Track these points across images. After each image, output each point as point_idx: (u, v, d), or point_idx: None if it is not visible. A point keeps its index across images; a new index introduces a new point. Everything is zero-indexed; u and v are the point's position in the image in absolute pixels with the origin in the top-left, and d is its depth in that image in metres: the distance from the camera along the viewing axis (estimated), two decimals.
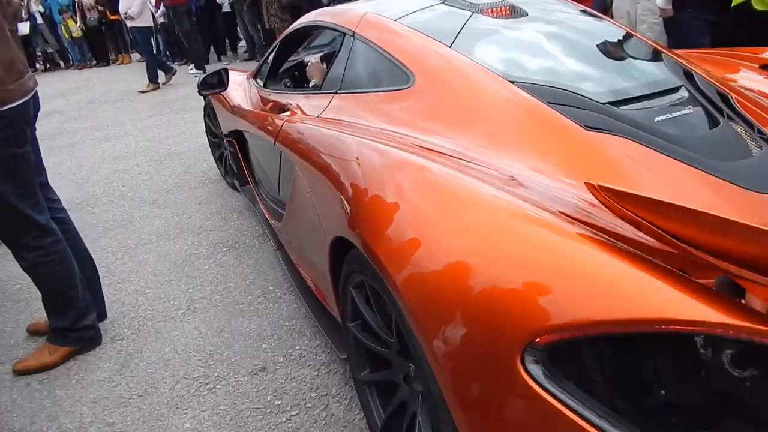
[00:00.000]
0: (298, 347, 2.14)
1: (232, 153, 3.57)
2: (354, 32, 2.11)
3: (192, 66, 9.79)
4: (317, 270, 1.92)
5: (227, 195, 3.82)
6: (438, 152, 1.45)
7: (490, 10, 1.99)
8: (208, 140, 4.15)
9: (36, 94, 2.11)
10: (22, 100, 1.96)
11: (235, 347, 2.18)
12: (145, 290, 2.71)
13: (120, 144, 5.60)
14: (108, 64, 12.68)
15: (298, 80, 3.11)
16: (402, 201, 1.29)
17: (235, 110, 3.11)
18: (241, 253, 2.96)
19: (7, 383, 2.14)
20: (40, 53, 13.57)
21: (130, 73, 11.14)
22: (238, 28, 10.65)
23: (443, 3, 2.12)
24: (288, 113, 2.33)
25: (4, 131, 1.91)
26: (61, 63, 13.53)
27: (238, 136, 3.28)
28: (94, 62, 12.80)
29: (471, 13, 1.96)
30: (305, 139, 1.94)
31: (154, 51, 9.83)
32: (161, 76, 8.66)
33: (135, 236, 3.34)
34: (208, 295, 2.58)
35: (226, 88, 3.15)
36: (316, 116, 2.11)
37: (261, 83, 3.03)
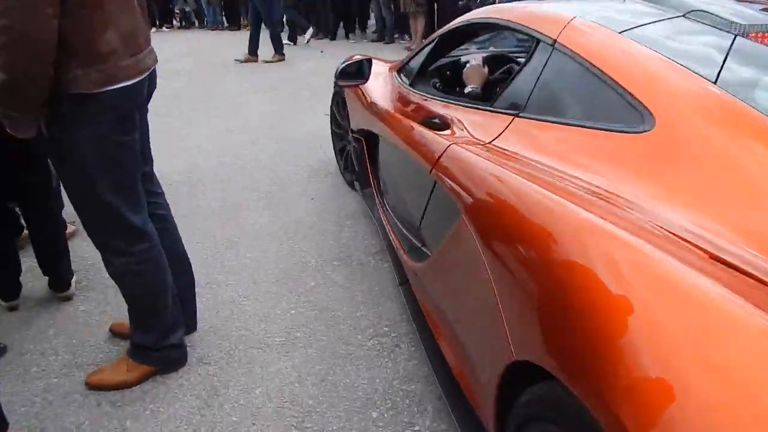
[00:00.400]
0: (417, 427, 1.69)
1: (356, 151, 3.17)
2: (554, 41, 1.60)
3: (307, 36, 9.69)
4: (467, 360, 1.45)
5: (343, 193, 3.44)
6: (693, 245, 0.93)
7: (762, 34, 1.41)
8: (331, 130, 3.78)
9: (154, 72, 1.76)
10: (136, 80, 1.62)
11: (339, 408, 1.76)
12: (241, 301, 2.37)
13: (237, 118, 5.39)
14: (239, 29, 12.82)
15: (450, 82, 2.64)
16: (649, 327, 0.80)
17: (373, 107, 2.69)
18: (353, 272, 2.55)
19: (78, 397, 1.85)
20: (178, 11, 14.01)
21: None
22: (371, 7, 10.33)
23: (685, 17, 1.56)
24: (448, 131, 1.86)
25: (107, 114, 1.57)
26: (196, 22, 13.90)
27: (368, 134, 2.87)
28: (226, 25, 13.01)
29: (733, 35, 1.39)
30: (483, 183, 1.43)
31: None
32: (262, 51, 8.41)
33: (238, 230, 3.03)
34: (311, 323, 2.19)
35: (366, 80, 2.73)
36: (489, 143, 1.63)
37: (407, 81, 2.58)
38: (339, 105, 3.54)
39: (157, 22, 13.21)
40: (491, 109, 1.79)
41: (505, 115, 1.68)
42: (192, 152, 4.34)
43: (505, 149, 1.57)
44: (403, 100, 2.53)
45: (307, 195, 3.45)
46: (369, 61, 2.71)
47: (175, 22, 13.93)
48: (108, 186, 1.66)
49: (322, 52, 9.02)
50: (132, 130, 1.68)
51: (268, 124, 5.02)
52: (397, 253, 2.31)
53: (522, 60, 2.67)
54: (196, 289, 2.17)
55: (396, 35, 9.88)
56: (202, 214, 3.22)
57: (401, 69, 2.77)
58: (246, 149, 4.36)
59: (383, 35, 9.84)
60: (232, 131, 4.85)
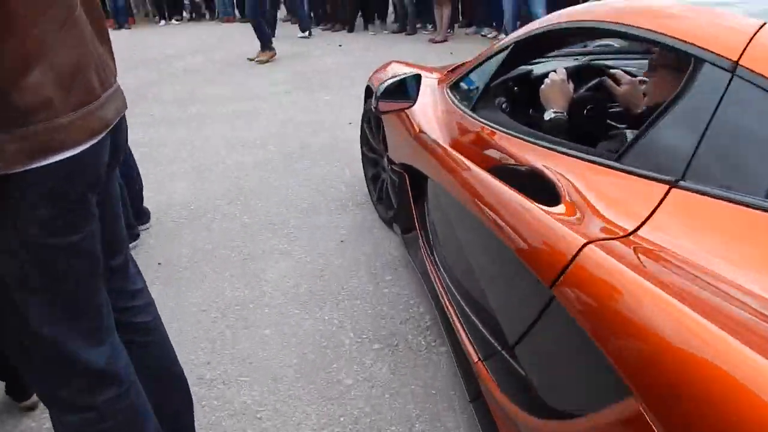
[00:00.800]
0: None
1: (396, 185, 2.53)
2: (735, 63, 0.95)
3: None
4: None
5: (378, 233, 2.81)
6: None
7: None
8: (362, 152, 3.14)
9: (121, 123, 1.14)
10: (89, 144, 1.00)
11: None
12: (257, 411, 1.75)
13: (251, 123, 4.76)
14: (265, 10, 12.14)
15: (519, 101, 1.99)
16: None
17: (421, 138, 2.03)
18: (399, 363, 1.92)
19: None
20: (187, 2, 13.33)
21: (276, 32, 10.47)
22: None
23: None
24: (560, 208, 1.19)
25: (41, 204, 0.96)
26: (207, 14, 13.22)
27: (414, 170, 2.22)
28: (239, 17, 12.32)
29: None
30: (642, 322, 0.81)
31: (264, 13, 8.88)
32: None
33: (251, 286, 2.41)
34: None
35: (414, 103, 2.06)
36: (631, 233, 0.99)
37: (466, 104, 1.91)
38: (371, 124, 2.89)
39: (166, 15, 12.57)
40: (623, 167, 1.13)
41: (651, 182, 1.04)
42: (198, 172, 3.72)
43: (662, 248, 0.94)
44: (463, 131, 1.88)
45: (334, 234, 2.81)
46: (417, 78, 2.04)
47: (185, 14, 13.26)
48: (46, 311, 1.04)
49: (340, 45, 8.33)
50: (83, 223, 1.05)
51: (285, 136, 4.38)
52: (461, 343, 1.67)
53: (621, 67, 2.02)
54: (198, 389, 1.57)
55: (418, 25, 9.16)
56: (206, 264, 2.61)
57: (456, 85, 2.11)
58: (261, 169, 3.73)
59: (404, 25, 9.12)
60: (245, 144, 4.22)
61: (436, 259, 2.07)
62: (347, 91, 5.65)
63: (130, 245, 2.74)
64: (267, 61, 7.31)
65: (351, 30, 9.70)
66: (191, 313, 2.25)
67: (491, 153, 1.64)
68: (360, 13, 9.80)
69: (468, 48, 7.60)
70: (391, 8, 9.93)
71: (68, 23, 0.95)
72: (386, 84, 2.00)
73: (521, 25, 5.75)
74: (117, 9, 11.73)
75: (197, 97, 5.82)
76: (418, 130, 2.06)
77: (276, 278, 2.47)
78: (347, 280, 2.42)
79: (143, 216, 3.00)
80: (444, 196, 1.87)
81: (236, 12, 12.14)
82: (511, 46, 1.79)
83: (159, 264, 2.66)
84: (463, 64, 2.58)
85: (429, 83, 2.26)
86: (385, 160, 2.78)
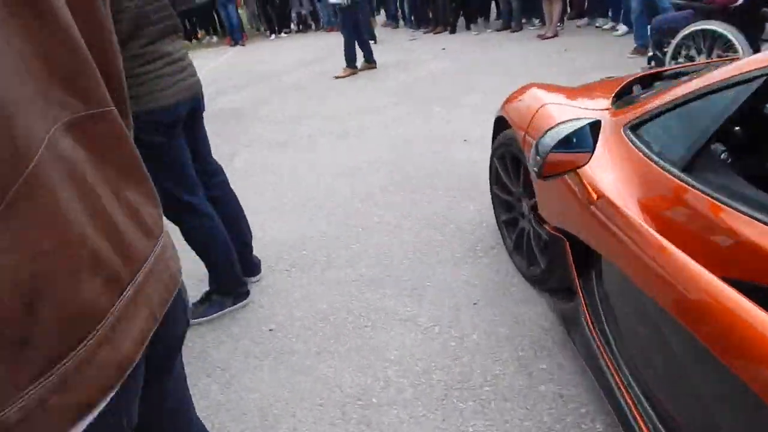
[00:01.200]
0: None
1: (548, 246, 1.94)
2: None
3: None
4: None
5: (517, 291, 2.22)
6: None
7: None
8: (492, 190, 2.55)
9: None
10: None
11: None
12: None
13: (360, 143, 4.31)
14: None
15: (745, 151, 1.34)
16: None
17: (604, 211, 1.42)
18: None
19: None
20: (294, 14, 13.25)
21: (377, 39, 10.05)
22: None
23: None
24: None
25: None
26: (312, 25, 13.06)
27: (580, 239, 1.62)
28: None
29: None
30: None
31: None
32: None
33: (373, 369, 1.92)
34: None
35: (589, 158, 1.45)
36: None
37: (674, 164, 1.28)
38: (505, 161, 2.30)
39: (276, 29, 12.55)
40: None
41: None
42: (306, 208, 3.31)
43: None
44: (676, 206, 1.26)
45: (465, 294, 2.27)
46: (596, 125, 1.41)
47: (292, 25, 13.20)
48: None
49: (443, 49, 7.72)
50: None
51: (396, 159, 3.88)
52: None
53: None
54: None
55: (524, 20, 8.33)
56: (321, 333, 2.16)
57: (642, 126, 1.47)
58: (372, 202, 3.25)
59: (509, 22, 8.32)
60: (354, 171, 3.77)
61: (615, 352, 1.48)
62: (457, 100, 5.06)
63: (240, 304, 2.39)
64: (344, 77, 6.86)
65: (453, 31, 9.03)
66: (306, 409, 1.81)
67: (726, 244, 1.03)
68: (461, 13, 9.10)
69: (582, 42, 6.73)
70: (493, 5, 9.16)
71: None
72: (551, 138, 1.41)
73: (649, 20, 4.87)
74: (232, 27, 11.86)
75: (306, 114, 5.48)
76: (593, 196, 1.45)
77: (401, 358, 1.97)
78: (489, 366, 1.86)
79: (253, 268, 2.62)
80: (637, 293, 1.26)
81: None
82: (754, 78, 1.14)
83: (270, 330, 2.26)
84: (632, 80, 1.92)
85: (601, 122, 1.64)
86: (526, 207, 2.19)
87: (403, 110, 5.05)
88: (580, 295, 1.68)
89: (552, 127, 1.44)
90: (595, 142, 1.41)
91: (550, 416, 1.64)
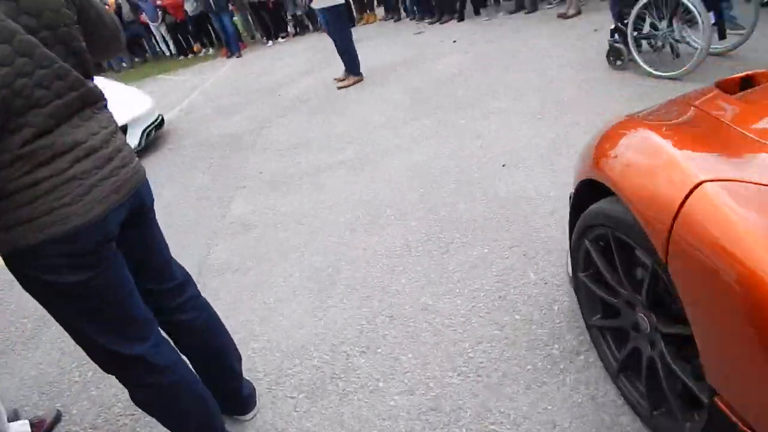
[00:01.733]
0: None
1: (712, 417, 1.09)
2: None
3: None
4: None
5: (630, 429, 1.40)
6: None
7: None
8: (576, 277, 1.68)
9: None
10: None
11: None
12: None
13: (372, 181, 3.45)
14: (353, 25, 10.88)
15: None
16: None
17: None
18: None
19: None
20: (290, 17, 12.34)
21: (377, 35, 9.15)
22: None
23: None
24: None
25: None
26: (310, 26, 12.14)
27: None
28: None
29: None
30: None
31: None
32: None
33: None
34: None
35: None
36: None
37: None
38: (609, 249, 1.43)
39: (272, 34, 11.68)
40: None
41: None
42: (320, 288, 2.48)
43: None
44: None
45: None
46: None
47: (290, 28, 12.30)
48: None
49: (454, 41, 6.79)
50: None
51: (420, 199, 3.03)
52: None
53: None
54: None
55: None
56: None
57: None
58: (400, 272, 2.41)
59: (522, 3, 7.33)
60: (373, 219, 2.94)
61: None
62: (481, 107, 4.17)
63: None
64: (350, 86, 5.97)
65: (461, 19, 8.07)
66: None
67: None
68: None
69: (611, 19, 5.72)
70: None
71: None
72: None
73: None
74: (228, 37, 11.04)
75: (310, 137, 4.64)
76: None
77: None
78: None
79: (244, 403, 1.82)
80: None
81: None
82: None
83: None
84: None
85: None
86: (647, 323, 1.34)
87: (421, 126, 4.18)
88: None
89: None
90: None
91: None
